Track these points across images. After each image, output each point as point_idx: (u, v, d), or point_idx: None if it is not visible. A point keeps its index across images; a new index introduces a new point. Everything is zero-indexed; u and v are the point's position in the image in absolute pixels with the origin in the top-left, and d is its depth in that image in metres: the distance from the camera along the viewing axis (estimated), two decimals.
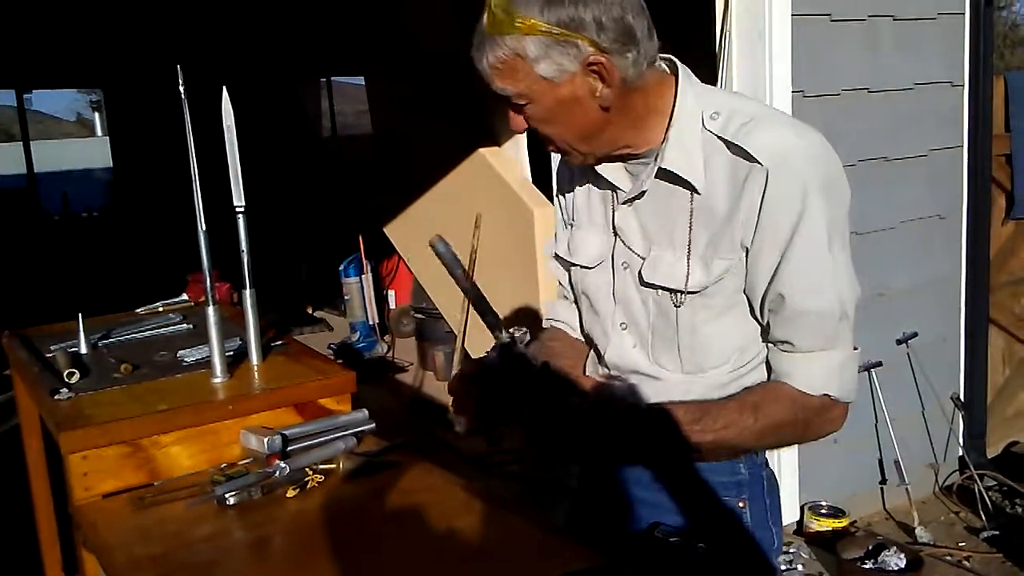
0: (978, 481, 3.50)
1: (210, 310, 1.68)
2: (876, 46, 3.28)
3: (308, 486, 1.46)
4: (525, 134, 4.33)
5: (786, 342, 1.22)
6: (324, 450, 1.56)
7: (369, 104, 6.19)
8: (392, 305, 6.51)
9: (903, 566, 2.92)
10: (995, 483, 3.60)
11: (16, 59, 8.26)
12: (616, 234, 1.31)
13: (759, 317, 1.24)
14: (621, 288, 1.32)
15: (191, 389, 1.67)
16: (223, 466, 1.55)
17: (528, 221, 4.43)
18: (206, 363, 1.78)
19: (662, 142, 1.22)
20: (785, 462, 3.27)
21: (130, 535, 1.34)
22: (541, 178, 4.84)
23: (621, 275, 1.31)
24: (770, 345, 1.25)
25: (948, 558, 3.17)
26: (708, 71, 3.16)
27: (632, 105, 1.20)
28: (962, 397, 3.74)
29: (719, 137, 1.19)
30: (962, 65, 3.54)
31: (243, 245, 1.73)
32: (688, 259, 1.22)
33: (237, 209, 1.72)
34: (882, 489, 3.56)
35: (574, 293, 1.45)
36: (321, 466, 1.51)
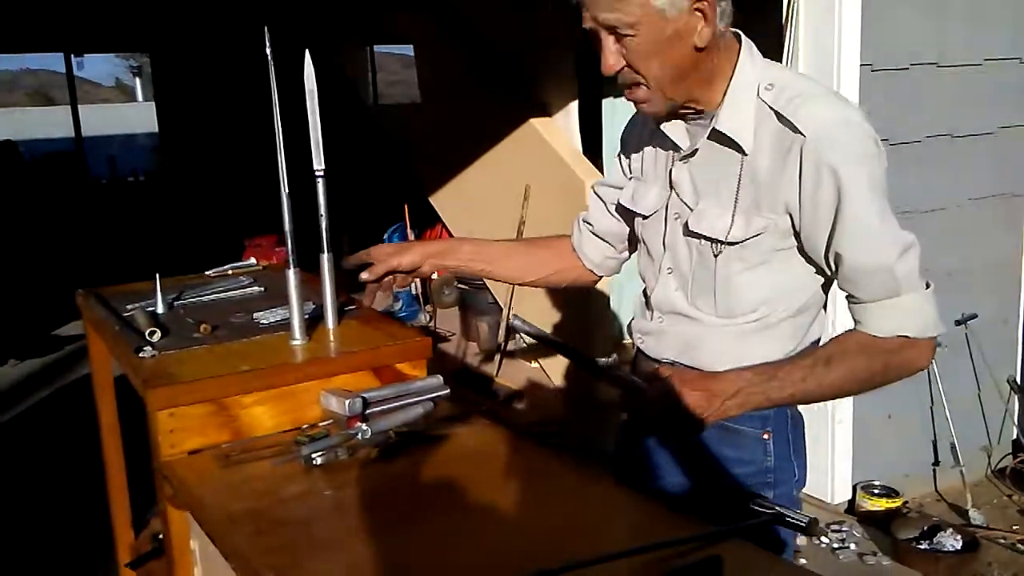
0: None
1: (290, 272, 1.69)
2: (946, 20, 3.20)
3: (392, 448, 1.47)
4: (577, 105, 4.27)
5: (851, 295, 1.32)
6: (404, 413, 1.57)
7: (417, 72, 6.15)
8: (434, 275, 6.53)
9: (959, 548, 2.89)
10: None
11: (65, 22, 8.33)
12: (672, 187, 1.44)
13: (828, 273, 1.35)
14: (671, 236, 1.45)
15: (271, 351, 1.68)
16: (305, 427, 1.56)
17: (579, 192, 4.41)
18: (282, 325, 1.80)
19: (719, 105, 1.33)
20: (839, 441, 3.25)
21: (221, 491, 1.36)
22: (591, 149, 4.81)
23: (672, 224, 1.45)
24: (846, 297, 1.35)
25: (1002, 540, 3.14)
26: (775, 42, 3.11)
27: (710, 60, 1.31)
28: (1019, 380, 3.68)
29: (771, 107, 1.30)
30: None
31: (322, 209, 1.73)
32: (731, 214, 1.34)
33: (317, 173, 1.72)
34: (935, 470, 3.52)
35: (616, 234, 1.64)
36: (403, 429, 1.53)
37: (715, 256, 1.37)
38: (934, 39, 3.19)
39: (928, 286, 1.30)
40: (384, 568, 1.12)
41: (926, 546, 2.92)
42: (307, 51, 1.68)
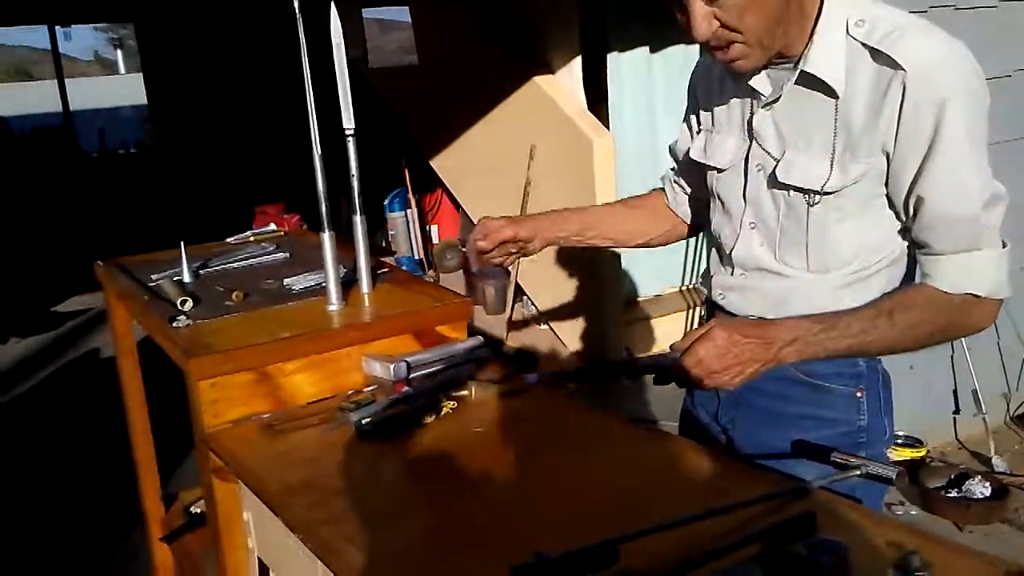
0: None
1: (325, 236, 1.63)
2: None
3: (443, 412, 1.44)
4: (580, 61, 4.15)
5: (926, 244, 1.25)
6: (450, 376, 1.53)
7: (415, 33, 6.04)
8: (435, 240, 6.48)
9: (988, 495, 2.88)
10: None
11: None
12: (752, 137, 1.35)
13: (903, 219, 1.27)
14: (753, 189, 1.37)
15: (308, 317, 1.63)
16: (350, 393, 1.52)
17: (587, 152, 4.35)
18: (315, 291, 1.76)
19: (806, 46, 1.25)
20: None
21: (272, 462, 1.32)
22: (594, 106, 4.73)
23: (754, 176, 1.36)
24: (916, 247, 1.29)
25: None
26: None
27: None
28: None
29: (864, 44, 1.21)
30: None
31: (353, 170, 1.68)
32: (826, 161, 1.26)
33: (347, 132, 1.66)
34: (955, 419, 3.52)
35: (707, 194, 1.52)
36: (452, 393, 1.49)
37: (809, 207, 1.28)
38: None
39: (1005, 245, 1.23)
40: (457, 534, 1.09)
41: (955, 494, 2.91)
42: (332, 4, 1.61)
